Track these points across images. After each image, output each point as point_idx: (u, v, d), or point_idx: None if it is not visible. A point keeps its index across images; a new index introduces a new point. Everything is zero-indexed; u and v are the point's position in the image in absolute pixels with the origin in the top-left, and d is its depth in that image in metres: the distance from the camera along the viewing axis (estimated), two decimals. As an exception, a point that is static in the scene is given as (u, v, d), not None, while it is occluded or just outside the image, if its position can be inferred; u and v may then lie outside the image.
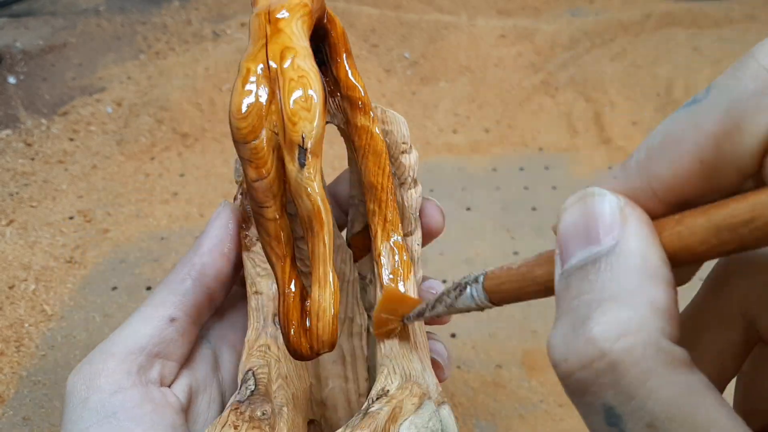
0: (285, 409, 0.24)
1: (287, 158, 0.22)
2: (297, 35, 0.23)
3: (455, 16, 0.89)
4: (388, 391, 0.23)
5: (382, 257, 0.27)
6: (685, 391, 0.12)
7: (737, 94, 0.13)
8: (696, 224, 0.13)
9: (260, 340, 0.27)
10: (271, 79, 0.23)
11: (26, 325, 0.51)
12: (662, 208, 0.15)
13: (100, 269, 0.56)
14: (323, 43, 0.27)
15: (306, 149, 0.22)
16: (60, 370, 0.47)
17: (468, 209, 0.62)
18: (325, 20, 0.26)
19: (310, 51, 0.23)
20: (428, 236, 0.30)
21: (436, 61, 0.81)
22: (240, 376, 0.25)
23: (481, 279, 0.19)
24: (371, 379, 0.30)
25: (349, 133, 0.28)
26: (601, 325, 0.13)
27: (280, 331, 0.26)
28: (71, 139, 0.71)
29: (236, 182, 0.29)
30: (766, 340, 0.18)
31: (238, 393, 0.24)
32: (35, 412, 0.45)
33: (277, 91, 0.22)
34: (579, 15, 0.90)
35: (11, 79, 0.79)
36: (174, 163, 0.68)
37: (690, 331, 0.19)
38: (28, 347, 0.49)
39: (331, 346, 0.23)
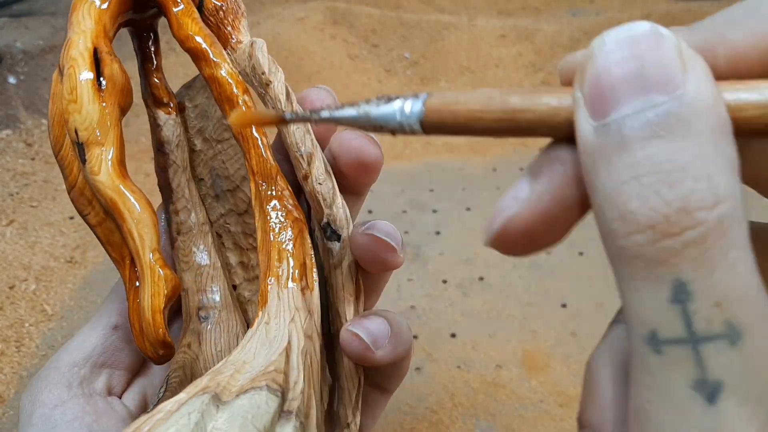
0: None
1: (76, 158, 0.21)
2: (81, 20, 0.22)
3: (455, 17, 0.89)
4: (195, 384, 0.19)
5: (256, 218, 0.24)
6: (754, 272, 0.11)
7: None
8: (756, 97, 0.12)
9: (186, 339, 0.25)
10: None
11: (26, 325, 0.51)
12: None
13: (101, 269, 0.56)
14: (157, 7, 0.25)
15: (82, 143, 0.21)
16: (60, 370, 0.47)
17: (468, 209, 0.62)
18: None
19: (88, 32, 0.22)
20: (363, 172, 0.24)
21: (436, 61, 0.81)
22: (164, 383, 0.24)
23: (423, 97, 0.15)
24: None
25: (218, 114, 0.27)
26: (696, 191, 0.11)
27: (207, 322, 0.25)
28: (71, 139, 0.71)
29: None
30: None
31: (158, 399, 0.23)
32: (35, 412, 0.45)
33: None
34: (579, 15, 0.90)
35: (11, 79, 0.79)
36: (174, 163, 0.68)
37: None
38: (28, 347, 0.49)
39: (162, 346, 0.21)
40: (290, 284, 0.22)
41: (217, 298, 0.27)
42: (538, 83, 0.79)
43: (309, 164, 0.23)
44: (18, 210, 0.61)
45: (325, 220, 0.23)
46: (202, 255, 0.27)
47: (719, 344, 0.11)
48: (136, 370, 0.26)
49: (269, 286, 0.22)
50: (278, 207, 0.23)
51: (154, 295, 0.21)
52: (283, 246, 0.22)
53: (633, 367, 0.12)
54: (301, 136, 0.23)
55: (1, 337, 0.49)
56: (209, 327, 0.25)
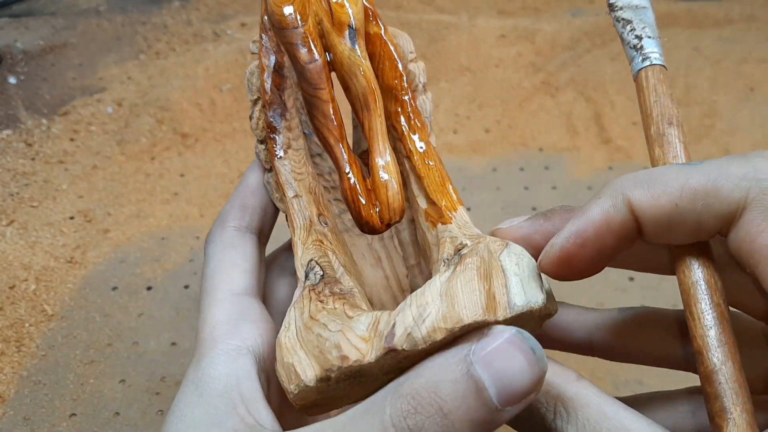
0: (355, 290, 0.24)
1: (336, 41, 0.24)
2: None
3: (455, 17, 0.89)
4: (465, 245, 0.23)
5: (414, 154, 0.28)
6: None
7: (725, 169, 0.19)
8: None
9: (311, 238, 0.27)
10: None
11: (27, 325, 0.51)
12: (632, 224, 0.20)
13: (101, 269, 0.56)
14: None
15: (355, 29, 0.23)
16: (60, 370, 0.47)
17: (468, 209, 0.62)
18: None
19: None
20: None
21: (436, 61, 0.81)
22: (302, 270, 0.25)
23: None
24: (410, 275, 0.31)
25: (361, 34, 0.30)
26: None
27: (327, 229, 0.27)
28: (72, 139, 0.71)
29: (251, 101, 0.30)
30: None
31: (306, 280, 0.24)
32: (36, 412, 0.45)
33: None
34: (579, 15, 0.90)
35: (11, 79, 0.79)
36: (174, 163, 0.68)
37: None
38: (28, 347, 0.49)
39: (402, 214, 0.24)
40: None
41: (329, 209, 0.29)
42: (539, 83, 0.79)
43: (430, 129, 0.29)
44: (18, 210, 0.61)
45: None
46: (310, 168, 0.29)
47: None
48: None
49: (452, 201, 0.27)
50: (431, 147, 0.29)
51: (394, 176, 0.24)
52: (443, 176, 0.28)
53: None
54: (430, 109, 0.29)
55: (1, 337, 0.49)
56: (329, 232, 0.28)
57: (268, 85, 0.28)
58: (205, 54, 0.83)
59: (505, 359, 0.17)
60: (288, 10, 0.24)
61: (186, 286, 0.54)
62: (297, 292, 0.24)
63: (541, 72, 0.80)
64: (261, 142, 0.29)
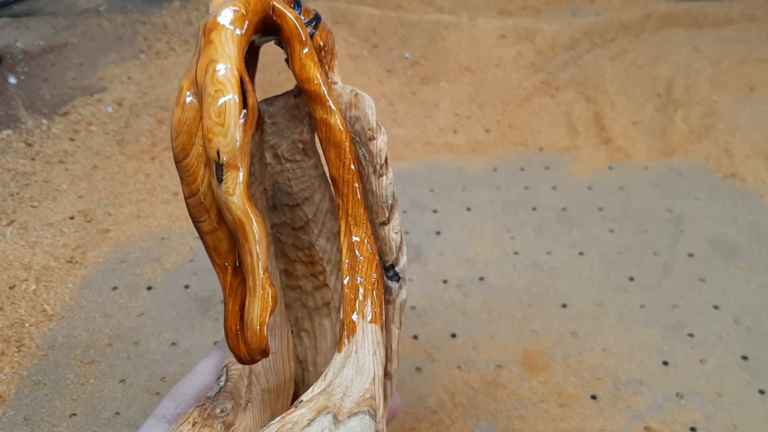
0: (250, 404, 0.26)
1: (210, 174, 0.23)
2: (224, 44, 0.23)
3: (456, 17, 0.89)
4: (301, 401, 0.23)
5: (343, 254, 0.27)
6: None
7: None
8: None
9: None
10: (199, 94, 0.23)
11: (27, 325, 0.51)
12: None
13: (101, 269, 0.56)
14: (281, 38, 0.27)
15: (222, 164, 0.22)
16: (61, 370, 0.47)
17: (468, 209, 0.62)
18: (273, 15, 0.26)
19: (234, 59, 0.23)
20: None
21: (436, 62, 0.81)
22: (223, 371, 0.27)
23: None
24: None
25: (310, 125, 0.29)
26: None
27: None
28: (72, 139, 0.71)
29: None
30: None
31: (212, 390, 0.26)
32: (36, 412, 0.45)
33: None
34: (579, 15, 0.90)
35: (12, 80, 0.79)
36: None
37: None
38: (28, 347, 0.49)
39: (262, 354, 0.24)
40: (371, 322, 0.26)
41: (278, 305, 0.29)
42: (539, 83, 0.79)
43: (390, 213, 0.27)
44: (18, 210, 0.61)
45: (390, 262, 0.28)
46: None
47: None
48: None
49: (357, 320, 0.26)
50: (364, 250, 0.27)
51: (262, 309, 0.23)
52: (368, 286, 0.26)
53: None
54: (390, 192, 0.27)
55: (2, 337, 0.49)
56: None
57: None
58: (205, 54, 0.83)
59: None
60: (174, 141, 0.23)
61: (186, 286, 0.54)
62: (196, 405, 0.26)
63: (541, 72, 0.80)
64: None
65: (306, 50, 0.27)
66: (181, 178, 0.24)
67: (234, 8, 0.23)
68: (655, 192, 0.63)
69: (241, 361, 0.25)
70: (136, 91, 0.77)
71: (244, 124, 0.22)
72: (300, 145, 0.30)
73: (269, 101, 0.31)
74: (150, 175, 0.66)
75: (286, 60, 0.27)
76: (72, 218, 0.61)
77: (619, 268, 0.55)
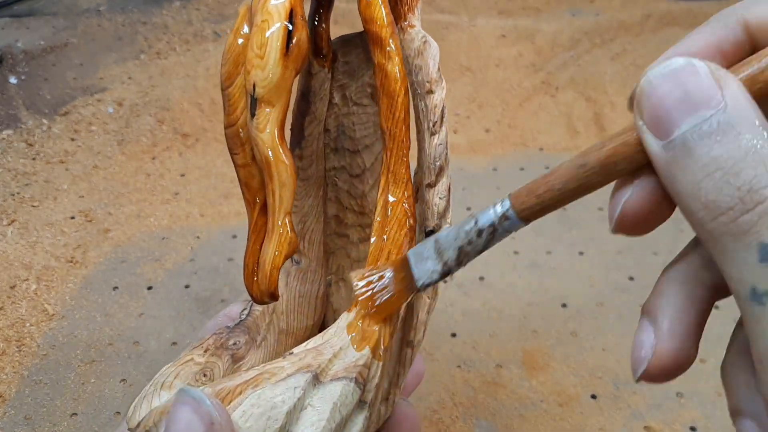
0: (264, 343, 0.25)
1: (243, 106, 0.22)
2: None
3: (456, 16, 0.89)
4: (291, 353, 0.22)
5: (376, 211, 0.25)
6: None
7: None
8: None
9: None
10: (251, 22, 0.22)
11: (27, 324, 0.51)
12: (752, 49, 0.17)
13: (101, 269, 0.56)
14: None
15: (256, 98, 0.21)
16: (61, 370, 0.47)
17: (468, 209, 0.62)
18: None
19: None
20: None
21: (436, 61, 0.81)
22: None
23: (511, 214, 0.19)
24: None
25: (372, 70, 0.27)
26: (756, 175, 0.14)
27: (295, 267, 0.27)
28: (72, 139, 0.71)
29: None
30: None
31: (241, 314, 0.26)
32: (36, 412, 0.45)
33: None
34: (579, 15, 0.90)
35: (12, 79, 0.79)
36: (175, 162, 0.68)
37: None
38: (29, 347, 0.49)
39: (270, 297, 0.24)
40: None
41: (314, 249, 0.28)
42: (539, 83, 0.79)
43: (437, 176, 0.26)
44: (19, 210, 0.61)
45: (431, 228, 0.26)
46: (312, 204, 0.28)
47: None
48: None
49: None
50: (398, 211, 0.25)
51: (277, 252, 0.23)
52: (394, 249, 0.24)
53: (746, 322, 0.15)
54: (441, 152, 0.25)
55: (3, 337, 0.50)
56: (298, 271, 0.27)
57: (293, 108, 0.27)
58: (205, 54, 0.83)
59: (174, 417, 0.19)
60: (221, 68, 0.22)
61: (186, 286, 0.54)
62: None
63: (541, 72, 0.81)
64: None
65: None
66: (223, 107, 0.23)
67: None
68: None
69: (253, 299, 0.24)
70: (136, 91, 0.77)
71: (286, 59, 0.21)
72: (369, 89, 0.29)
73: (345, 38, 0.29)
74: (150, 175, 0.66)
75: None
76: (72, 218, 0.61)
77: (619, 268, 0.55)
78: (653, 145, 0.16)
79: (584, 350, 0.49)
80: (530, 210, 0.19)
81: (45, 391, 0.46)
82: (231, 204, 0.63)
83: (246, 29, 0.22)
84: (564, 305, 0.52)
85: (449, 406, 0.45)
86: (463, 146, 0.71)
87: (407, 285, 0.22)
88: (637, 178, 0.18)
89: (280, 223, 0.23)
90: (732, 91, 0.15)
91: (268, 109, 0.22)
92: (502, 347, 0.49)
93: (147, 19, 0.91)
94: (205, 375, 0.24)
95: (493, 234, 0.19)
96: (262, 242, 0.24)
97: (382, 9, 0.25)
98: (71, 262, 0.57)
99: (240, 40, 0.22)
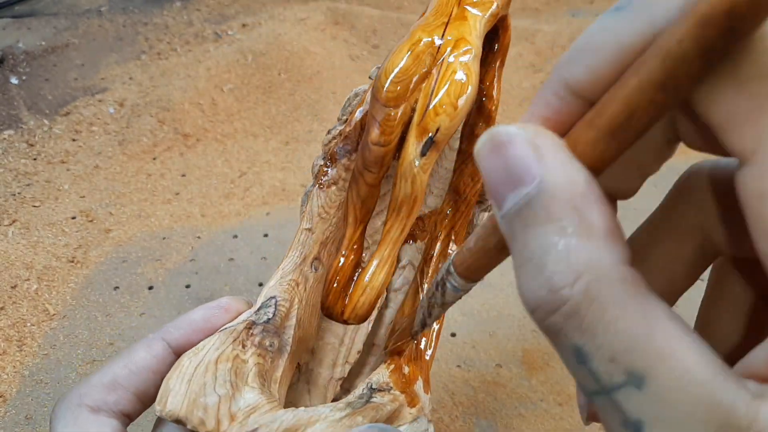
0: (288, 348, 0.25)
1: (412, 140, 0.22)
2: (477, 32, 0.23)
3: (456, 17, 0.89)
4: (391, 388, 0.23)
5: (432, 261, 0.27)
6: (640, 320, 0.12)
7: (658, 8, 0.13)
8: (587, 136, 0.14)
9: (292, 275, 0.27)
10: (435, 59, 0.22)
11: (28, 324, 0.51)
12: (585, 108, 0.15)
13: (102, 269, 0.56)
14: (486, 43, 0.27)
15: (434, 141, 0.22)
16: (62, 369, 0.48)
17: (468, 209, 0.62)
18: (501, 24, 0.26)
19: (480, 52, 0.23)
20: None
21: (436, 62, 0.81)
22: (261, 299, 0.25)
23: (452, 270, 0.19)
24: (364, 354, 0.31)
25: (464, 134, 0.28)
26: (556, 273, 0.13)
27: (313, 274, 0.27)
28: (73, 140, 0.71)
29: (338, 119, 0.29)
30: (724, 252, 0.18)
31: (256, 313, 0.24)
32: (37, 411, 0.45)
33: (435, 74, 0.22)
34: (579, 15, 0.90)
35: (14, 80, 0.79)
36: (176, 163, 0.68)
37: (644, 245, 0.19)
38: (30, 346, 0.49)
39: (360, 319, 0.24)
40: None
41: (330, 258, 0.28)
42: (538, 84, 0.79)
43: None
44: (20, 210, 0.62)
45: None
46: (338, 216, 0.28)
47: (627, 391, 0.12)
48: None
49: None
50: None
51: (386, 281, 0.23)
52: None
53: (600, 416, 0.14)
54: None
55: (4, 337, 0.50)
56: (314, 278, 0.27)
57: (355, 120, 0.27)
58: (206, 54, 0.83)
59: None
60: (391, 85, 0.22)
61: (187, 286, 0.54)
62: (245, 314, 0.24)
63: (541, 72, 0.81)
64: (322, 158, 0.29)
65: (500, 68, 0.27)
66: (374, 120, 0.23)
67: (492, 1, 0.23)
68: (654, 192, 0.63)
69: (329, 315, 0.24)
70: (137, 91, 0.77)
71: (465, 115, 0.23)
72: (456, 146, 0.30)
73: None
74: (151, 175, 0.66)
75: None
76: (73, 218, 0.61)
77: (619, 268, 0.55)
78: (497, 216, 0.14)
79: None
80: (463, 266, 0.18)
81: (46, 390, 0.46)
82: (231, 204, 0.63)
83: (416, 57, 0.22)
84: (564, 305, 0.52)
85: (449, 406, 0.45)
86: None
87: (410, 332, 0.23)
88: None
89: (388, 255, 0.23)
90: (548, 162, 0.13)
91: (435, 154, 0.22)
92: (501, 347, 0.49)
93: (148, 19, 0.91)
94: (264, 378, 0.23)
95: (443, 288, 0.19)
96: (354, 263, 0.24)
97: (500, 92, 0.27)
98: (72, 262, 0.57)
99: (418, 68, 0.22)
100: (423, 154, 0.22)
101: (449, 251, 0.26)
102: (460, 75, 0.22)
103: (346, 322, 0.24)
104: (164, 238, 0.59)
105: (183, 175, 0.66)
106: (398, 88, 0.22)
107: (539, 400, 0.45)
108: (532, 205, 0.13)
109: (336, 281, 0.24)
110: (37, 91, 0.77)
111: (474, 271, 0.18)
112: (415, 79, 0.22)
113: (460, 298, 0.19)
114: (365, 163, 0.23)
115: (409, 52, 0.22)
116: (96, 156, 0.69)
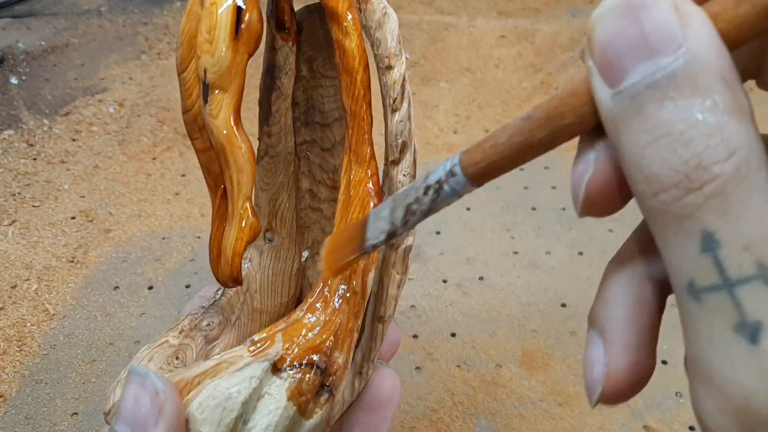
0: (238, 322, 0.25)
1: (196, 92, 0.22)
2: None
3: (455, 17, 0.89)
4: (253, 339, 0.21)
5: (340, 191, 0.24)
6: None
7: None
8: (735, 12, 0.12)
9: (246, 252, 0.27)
10: (203, 5, 0.21)
11: (28, 324, 0.51)
12: None
13: (102, 269, 0.56)
14: None
15: (208, 84, 0.21)
16: (62, 369, 0.48)
17: (468, 209, 0.62)
18: None
19: None
20: (376, 408, 0.26)
21: (436, 62, 0.81)
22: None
23: (457, 171, 0.17)
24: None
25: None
26: (708, 147, 0.12)
27: (267, 245, 0.27)
28: (73, 140, 0.71)
29: None
30: None
31: (209, 302, 0.26)
32: (37, 411, 0.45)
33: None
34: (579, 15, 0.90)
35: (13, 80, 0.79)
36: (175, 162, 0.68)
37: None
38: (30, 346, 0.49)
39: (233, 282, 0.23)
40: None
41: (286, 226, 0.28)
42: (538, 84, 0.79)
43: (400, 154, 0.25)
44: (20, 210, 0.62)
45: None
46: (282, 181, 0.28)
47: (754, 286, 0.11)
48: None
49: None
50: (361, 190, 0.24)
51: (237, 238, 0.22)
52: None
53: (681, 317, 0.13)
54: (402, 129, 0.24)
55: (3, 337, 0.50)
56: (270, 249, 0.27)
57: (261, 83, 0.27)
58: (206, 54, 0.83)
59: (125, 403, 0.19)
60: (176, 51, 0.22)
61: (187, 286, 0.54)
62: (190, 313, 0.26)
63: (541, 72, 0.81)
64: None
65: None
66: (180, 92, 0.23)
67: None
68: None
69: (218, 282, 0.24)
70: (137, 91, 0.77)
71: (236, 42, 0.21)
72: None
73: (310, 8, 0.28)
74: (151, 175, 0.66)
75: None
76: (73, 218, 0.61)
77: (619, 268, 0.55)
78: (602, 94, 0.13)
79: (583, 349, 0.49)
80: (476, 166, 0.16)
81: (46, 390, 0.46)
82: (231, 204, 0.63)
83: (196, 8, 0.22)
84: (563, 305, 0.52)
85: (449, 406, 0.45)
86: (463, 146, 0.71)
87: (360, 245, 0.20)
88: (598, 142, 0.14)
89: (239, 207, 0.22)
90: (695, 31, 0.12)
91: (220, 95, 0.21)
92: (501, 347, 0.49)
93: (148, 19, 0.91)
94: (177, 358, 0.24)
95: (438, 192, 0.17)
96: (223, 228, 0.23)
97: None
98: (72, 261, 0.57)
99: (192, 23, 0.22)
100: (205, 101, 0.21)
101: (351, 177, 0.24)
102: (210, 6, 0.21)
103: (227, 286, 0.24)
104: (164, 238, 0.59)
105: (183, 175, 0.66)
106: (180, 50, 0.22)
107: (539, 400, 0.45)
108: (676, 77, 0.12)
109: (211, 251, 0.24)
110: (36, 91, 0.77)
111: (487, 173, 0.16)
112: (192, 36, 0.22)
113: (449, 204, 0.18)
114: (188, 133, 0.23)
115: (185, 12, 0.22)
116: (96, 156, 0.69)
